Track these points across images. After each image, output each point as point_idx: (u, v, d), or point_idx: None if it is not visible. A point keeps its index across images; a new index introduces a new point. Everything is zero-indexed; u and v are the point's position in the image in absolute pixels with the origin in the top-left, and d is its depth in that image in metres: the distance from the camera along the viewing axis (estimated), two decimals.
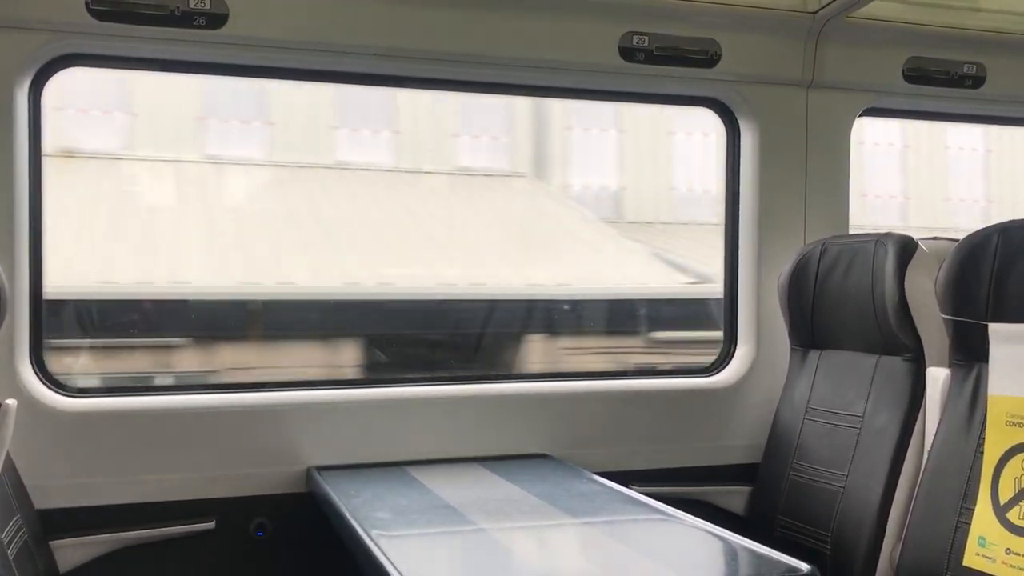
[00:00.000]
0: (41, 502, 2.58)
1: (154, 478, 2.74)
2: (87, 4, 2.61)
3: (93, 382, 4.23)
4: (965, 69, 3.49)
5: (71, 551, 2.62)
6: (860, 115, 3.45)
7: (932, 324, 2.58)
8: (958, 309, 2.35)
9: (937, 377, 2.52)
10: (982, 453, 2.21)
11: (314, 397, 2.91)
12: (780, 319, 3.18)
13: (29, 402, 2.61)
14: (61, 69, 2.71)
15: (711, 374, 3.34)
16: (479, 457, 2.96)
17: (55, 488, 2.65)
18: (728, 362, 3.35)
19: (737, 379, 3.30)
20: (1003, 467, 2.15)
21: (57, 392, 2.70)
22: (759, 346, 3.31)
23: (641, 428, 3.20)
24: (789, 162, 3.33)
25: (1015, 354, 2.19)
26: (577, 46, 3.07)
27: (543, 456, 3.03)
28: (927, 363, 2.64)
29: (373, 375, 5.03)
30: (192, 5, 2.69)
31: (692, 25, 3.16)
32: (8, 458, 2.39)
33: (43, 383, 2.69)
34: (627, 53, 3.10)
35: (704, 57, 3.19)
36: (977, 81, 3.52)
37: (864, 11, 3.21)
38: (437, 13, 2.92)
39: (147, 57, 2.79)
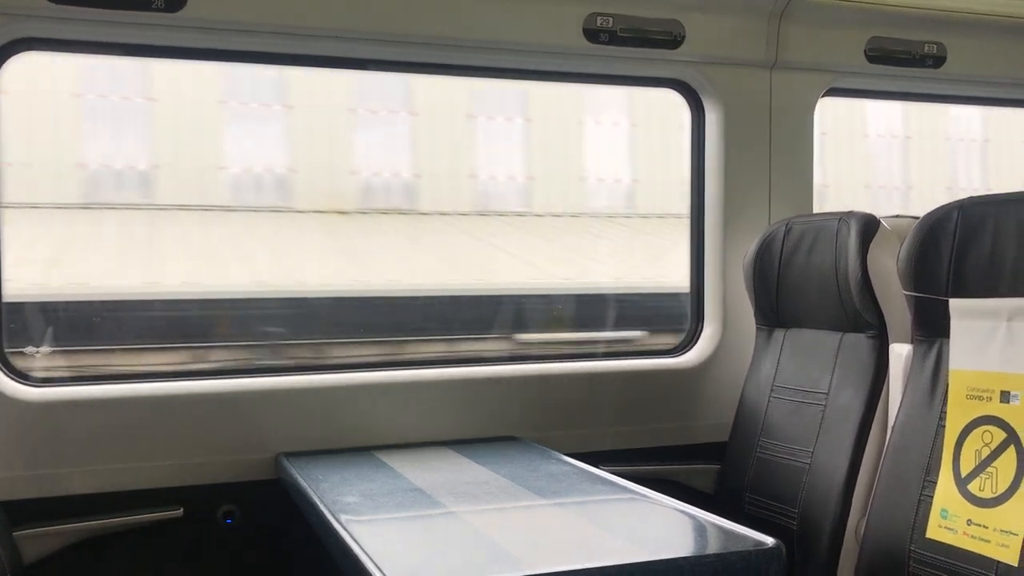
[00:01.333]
0: (4, 493, 2.54)
1: (120, 467, 2.71)
2: None
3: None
4: (926, 49, 3.52)
5: (36, 542, 2.59)
6: (823, 95, 3.47)
7: (895, 301, 2.61)
8: (919, 285, 2.37)
9: (900, 353, 2.55)
10: (944, 427, 2.24)
11: (281, 383, 2.89)
12: (746, 299, 3.20)
13: None
14: (17, 53, 2.66)
15: (678, 354, 3.36)
16: (448, 441, 2.96)
17: (18, 479, 2.61)
18: (695, 342, 3.37)
19: (703, 359, 3.33)
20: (964, 440, 2.18)
21: (19, 382, 2.66)
22: (725, 326, 3.33)
23: (609, 409, 3.22)
24: (753, 143, 3.35)
25: (975, 329, 2.22)
26: (541, 27, 3.06)
27: (512, 438, 3.03)
28: (890, 340, 2.67)
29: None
30: None
31: (656, 6, 3.16)
32: None
33: (4, 373, 2.66)
34: (591, 35, 3.10)
35: (668, 38, 3.19)
36: (938, 61, 3.55)
37: None
38: None
39: (105, 41, 2.75)
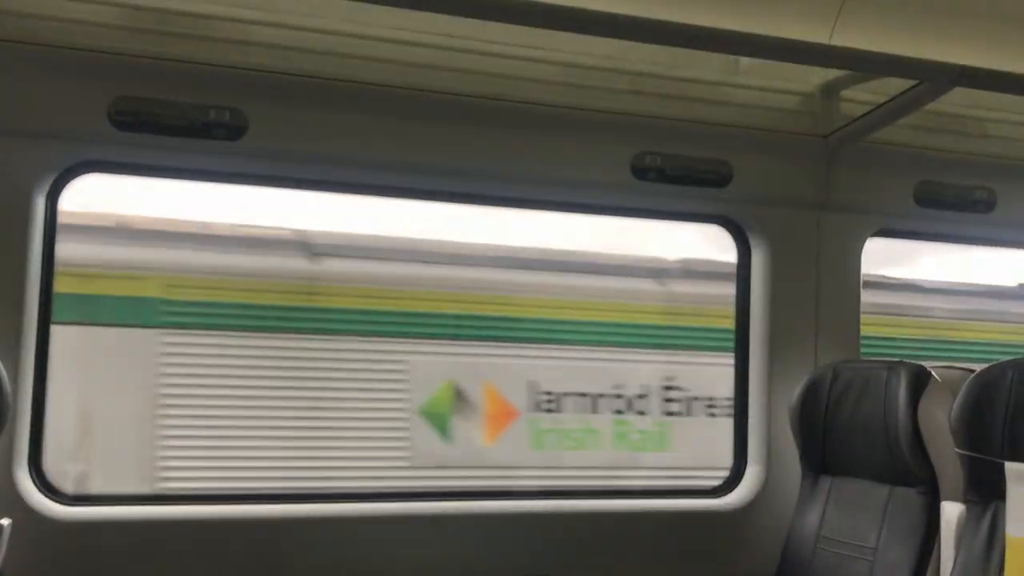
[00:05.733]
0: None
1: None
2: (109, 114, 2.66)
3: None
4: (976, 194, 3.51)
5: None
6: (871, 237, 3.46)
7: (946, 456, 2.53)
8: (973, 445, 2.30)
9: (952, 512, 2.45)
10: None
11: (312, 511, 2.85)
12: (790, 441, 3.12)
13: (25, 510, 2.56)
14: (79, 175, 2.74)
15: (719, 496, 3.27)
16: None
17: None
18: (737, 484, 3.28)
19: (746, 502, 3.23)
20: None
21: (53, 500, 2.65)
22: (769, 468, 3.24)
23: (645, 551, 3.12)
24: (800, 283, 3.32)
25: None
26: (590, 164, 3.10)
27: None
28: (942, 496, 2.58)
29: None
30: (212, 117, 2.73)
31: (704, 146, 3.19)
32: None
33: (39, 490, 2.64)
34: (639, 172, 3.13)
35: (715, 177, 3.21)
36: (988, 206, 3.53)
37: (876, 135, 3.25)
38: (451, 129, 2.96)
39: (166, 166, 2.82)
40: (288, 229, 4.80)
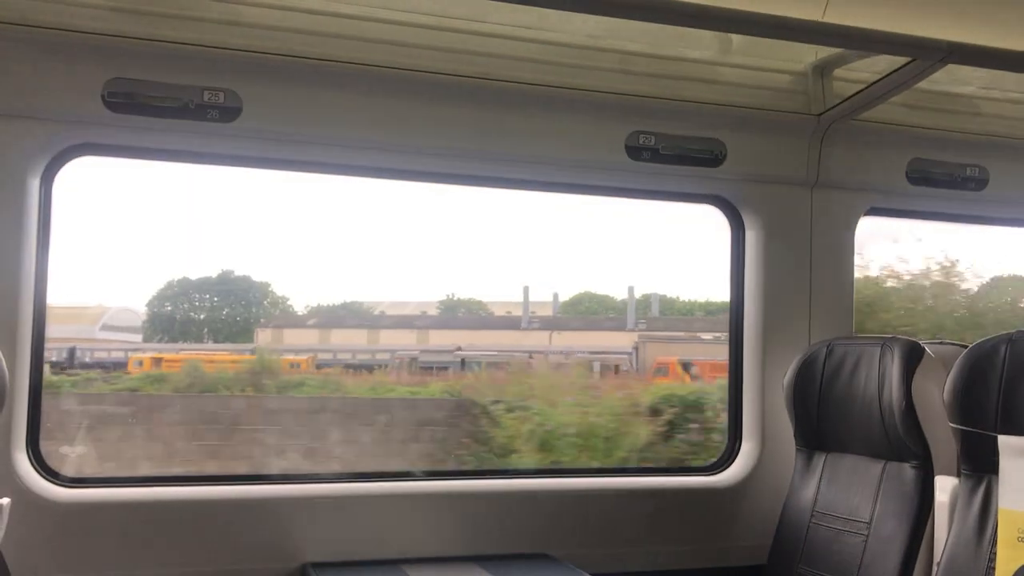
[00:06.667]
0: None
1: (146, 574, 2.67)
2: (103, 96, 2.65)
3: None
4: (968, 172, 3.53)
5: None
6: (864, 215, 3.47)
7: (940, 430, 2.55)
8: (966, 419, 2.32)
9: (945, 486, 2.48)
10: (994, 569, 2.16)
11: (311, 491, 2.86)
12: (785, 417, 3.15)
13: (23, 492, 2.57)
14: (74, 158, 2.73)
15: (715, 472, 3.29)
16: (477, 556, 2.90)
17: None
18: (732, 460, 3.30)
19: (741, 478, 3.25)
20: None
21: (51, 482, 2.66)
22: (764, 444, 3.27)
23: (643, 527, 3.14)
24: (793, 260, 3.33)
25: None
26: (584, 144, 3.10)
27: (543, 556, 2.97)
28: (935, 470, 2.60)
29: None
30: (206, 99, 2.72)
31: (698, 125, 3.20)
32: None
33: (38, 472, 2.65)
34: (633, 152, 3.14)
35: (709, 156, 3.22)
36: (979, 183, 3.55)
37: (868, 114, 3.26)
38: (446, 109, 2.96)
39: (160, 148, 2.82)
40: None
